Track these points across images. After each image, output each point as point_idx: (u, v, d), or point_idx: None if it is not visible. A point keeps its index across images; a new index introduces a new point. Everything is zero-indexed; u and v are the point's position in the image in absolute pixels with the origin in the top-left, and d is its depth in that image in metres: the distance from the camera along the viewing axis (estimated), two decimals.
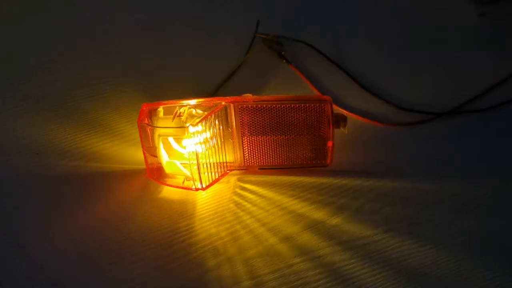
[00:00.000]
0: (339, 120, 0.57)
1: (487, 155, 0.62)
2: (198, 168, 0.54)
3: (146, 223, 0.55)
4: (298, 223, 0.54)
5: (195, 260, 0.52)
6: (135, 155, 0.63)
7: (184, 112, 0.54)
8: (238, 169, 0.60)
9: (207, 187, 0.57)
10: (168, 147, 0.58)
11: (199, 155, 0.54)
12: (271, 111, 0.56)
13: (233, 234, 0.54)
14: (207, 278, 0.50)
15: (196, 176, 0.55)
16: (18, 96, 0.73)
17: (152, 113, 0.57)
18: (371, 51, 0.80)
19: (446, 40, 0.82)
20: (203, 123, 0.55)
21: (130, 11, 0.91)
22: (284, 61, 0.78)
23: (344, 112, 0.68)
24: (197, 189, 0.56)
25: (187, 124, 0.53)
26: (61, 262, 0.52)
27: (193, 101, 0.57)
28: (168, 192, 0.59)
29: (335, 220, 0.54)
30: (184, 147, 0.57)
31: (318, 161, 0.58)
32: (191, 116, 0.55)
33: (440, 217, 0.54)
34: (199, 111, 0.56)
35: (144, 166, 0.60)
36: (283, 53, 0.79)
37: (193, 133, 0.54)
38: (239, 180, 0.60)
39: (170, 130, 0.54)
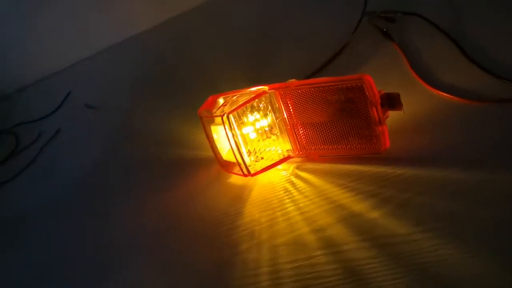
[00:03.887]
0: (390, 100, 0.50)
1: None
2: (241, 155, 0.56)
3: (208, 204, 0.61)
4: (334, 214, 0.50)
5: (232, 241, 0.54)
6: None
7: (229, 102, 0.57)
8: (298, 157, 0.59)
9: (256, 173, 0.58)
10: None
11: (247, 144, 0.57)
12: (311, 95, 0.53)
13: (271, 221, 0.54)
14: (235, 260, 0.52)
15: (242, 163, 0.57)
16: (152, 94, 0.89)
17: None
18: (493, 22, 0.65)
19: None
20: (255, 113, 0.57)
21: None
22: (388, 38, 0.71)
23: (433, 90, 0.58)
24: (245, 175, 0.58)
25: (224, 113, 0.55)
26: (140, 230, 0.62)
27: (253, 89, 0.59)
28: (235, 178, 0.62)
29: (374, 214, 0.48)
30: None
31: (368, 148, 0.52)
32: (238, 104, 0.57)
33: (503, 218, 0.41)
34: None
35: None
36: (385, 30, 0.71)
37: (241, 123, 0.56)
38: (297, 167, 0.59)
39: (216, 119, 0.58)
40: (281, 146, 0.59)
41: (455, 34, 0.65)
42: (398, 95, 0.50)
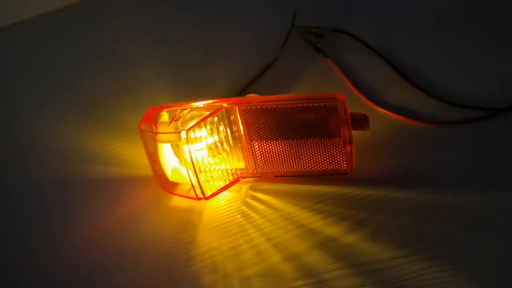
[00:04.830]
0: (359, 121, 0.49)
1: None
2: (196, 176, 0.50)
3: (151, 232, 0.53)
4: (308, 240, 0.48)
5: (191, 274, 0.47)
6: None
7: (181, 116, 0.51)
8: (251, 177, 0.55)
9: (211, 196, 0.52)
10: (177, 153, 0.55)
11: (199, 162, 0.50)
12: (278, 112, 0.50)
13: (235, 249, 0.49)
14: None
15: (197, 185, 0.51)
16: (53, 102, 0.76)
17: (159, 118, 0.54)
18: (420, 40, 0.70)
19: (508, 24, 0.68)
20: (208, 127, 0.51)
21: (161, 11, 0.90)
22: (321, 54, 0.71)
23: (381, 110, 0.60)
24: (199, 199, 0.52)
25: (181, 129, 0.49)
26: (62, 270, 0.51)
27: (201, 103, 0.53)
28: (178, 200, 0.55)
29: (351, 238, 0.47)
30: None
31: (336, 168, 0.51)
32: (192, 119, 0.51)
33: (484, 240, 0.44)
34: (206, 113, 0.52)
35: None
36: (318, 45, 0.71)
37: (192, 139, 0.50)
38: (251, 188, 0.55)
39: (166, 136, 0.51)
40: (233, 164, 0.54)
41: (385, 52, 0.68)
42: (365, 116, 0.49)
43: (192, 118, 0.51)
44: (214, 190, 0.52)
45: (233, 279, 0.46)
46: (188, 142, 0.49)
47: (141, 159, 0.61)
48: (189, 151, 0.49)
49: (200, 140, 0.52)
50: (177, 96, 0.70)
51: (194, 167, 0.49)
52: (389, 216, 0.48)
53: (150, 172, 0.59)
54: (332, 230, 0.48)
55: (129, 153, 0.63)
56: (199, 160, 0.52)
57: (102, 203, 0.57)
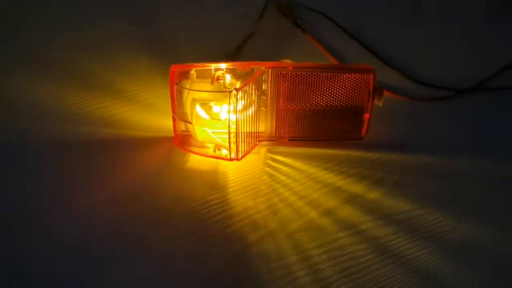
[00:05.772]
0: (378, 92, 0.55)
1: None
2: (237, 137, 0.51)
3: (175, 195, 0.52)
4: (337, 197, 0.53)
5: (234, 234, 0.49)
6: (152, 121, 0.59)
7: (223, 76, 0.50)
8: (268, 140, 0.57)
9: (242, 157, 0.53)
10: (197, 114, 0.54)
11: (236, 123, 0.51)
12: (311, 79, 0.53)
13: (271, 208, 0.51)
14: (250, 253, 0.47)
15: (233, 145, 0.51)
16: (21, 57, 0.67)
17: (182, 76, 0.52)
18: (389, 22, 0.78)
19: (469, 13, 0.80)
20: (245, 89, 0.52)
21: None
22: (300, 30, 0.75)
23: None
24: (231, 159, 0.53)
25: (232, 89, 0.49)
26: (79, 237, 0.48)
27: (223, 65, 0.53)
28: (195, 162, 0.55)
29: (374, 194, 0.53)
30: (215, 114, 0.53)
31: (353, 134, 0.57)
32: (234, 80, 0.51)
33: (478, 195, 0.54)
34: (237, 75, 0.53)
35: (163, 134, 0.57)
36: (298, 21, 0.75)
37: (236, 99, 0.50)
38: (269, 151, 0.57)
39: (209, 95, 0.50)
40: (255, 127, 0.55)
41: (354, 32, 0.74)
42: (382, 89, 0.56)
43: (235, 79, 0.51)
44: (245, 152, 0.53)
45: (278, 235, 0.49)
46: (236, 102, 0.49)
47: (134, 119, 0.60)
48: (234, 111, 0.49)
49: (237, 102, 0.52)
50: (152, 59, 0.67)
51: (238, 127, 0.50)
52: (402, 176, 0.55)
53: (148, 133, 0.58)
54: (356, 188, 0.54)
55: (118, 114, 0.60)
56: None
57: (104, 167, 0.54)
